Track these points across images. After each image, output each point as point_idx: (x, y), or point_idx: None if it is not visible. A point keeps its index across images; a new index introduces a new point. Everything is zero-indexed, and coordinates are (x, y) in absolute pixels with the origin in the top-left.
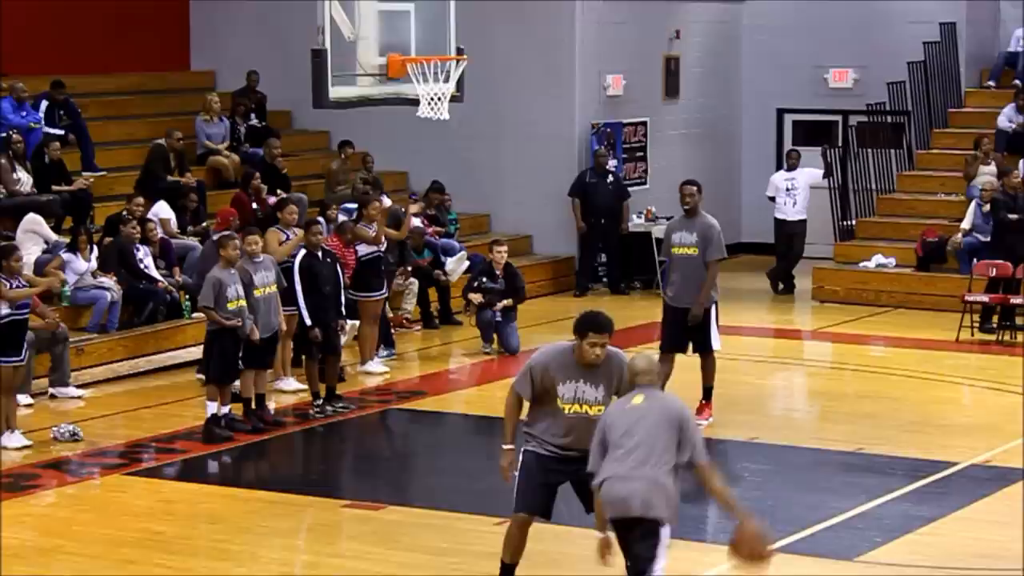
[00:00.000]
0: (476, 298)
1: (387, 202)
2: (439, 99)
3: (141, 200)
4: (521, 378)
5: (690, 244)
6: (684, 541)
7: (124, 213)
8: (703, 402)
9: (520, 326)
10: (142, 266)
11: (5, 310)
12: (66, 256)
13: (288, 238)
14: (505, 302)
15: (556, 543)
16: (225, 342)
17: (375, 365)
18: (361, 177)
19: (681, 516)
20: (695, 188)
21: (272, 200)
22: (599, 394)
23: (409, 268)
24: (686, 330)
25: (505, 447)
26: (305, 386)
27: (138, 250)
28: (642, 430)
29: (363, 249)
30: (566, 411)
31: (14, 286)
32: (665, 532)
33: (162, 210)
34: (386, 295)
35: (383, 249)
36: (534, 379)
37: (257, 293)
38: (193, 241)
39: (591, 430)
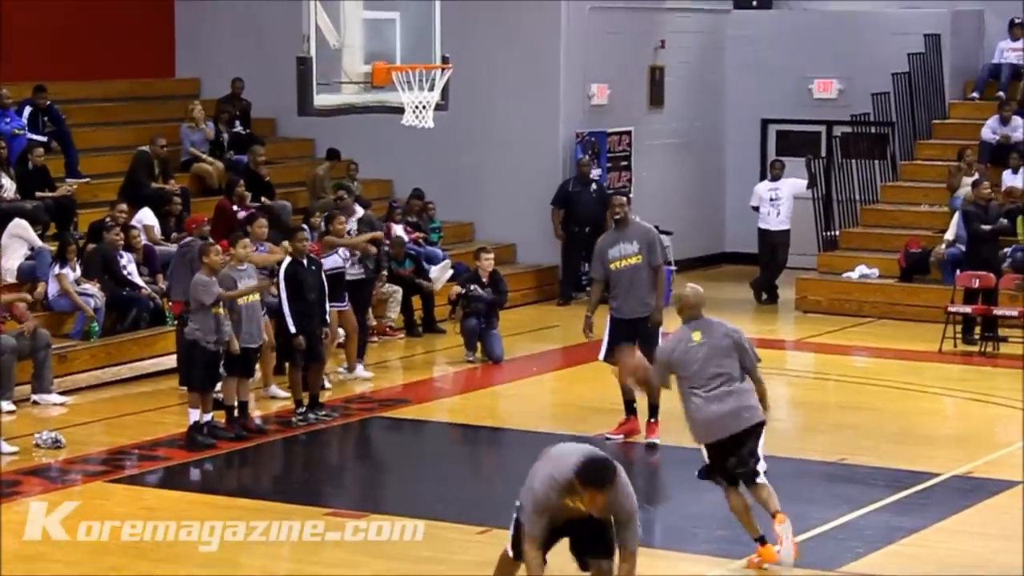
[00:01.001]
0: (455, 289)
1: (359, 211)
2: (424, 107)
3: (124, 207)
4: (527, 522)
5: (632, 254)
6: (675, 552)
7: (107, 220)
8: (652, 421)
9: (504, 335)
10: (125, 273)
11: None
12: (58, 271)
13: (258, 250)
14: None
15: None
16: (206, 350)
17: (360, 371)
18: (335, 184)
19: (670, 527)
20: (624, 199)
21: (242, 214)
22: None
23: (384, 274)
24: (637, 342)
25: None
26: (289, 394)
27: (121, 257)
28: (713, 361)
29: (328, 263)
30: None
31: None
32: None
33: (146, 217)
34: (346, 307)
35: (348, 264)
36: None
37: (240, 301)
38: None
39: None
